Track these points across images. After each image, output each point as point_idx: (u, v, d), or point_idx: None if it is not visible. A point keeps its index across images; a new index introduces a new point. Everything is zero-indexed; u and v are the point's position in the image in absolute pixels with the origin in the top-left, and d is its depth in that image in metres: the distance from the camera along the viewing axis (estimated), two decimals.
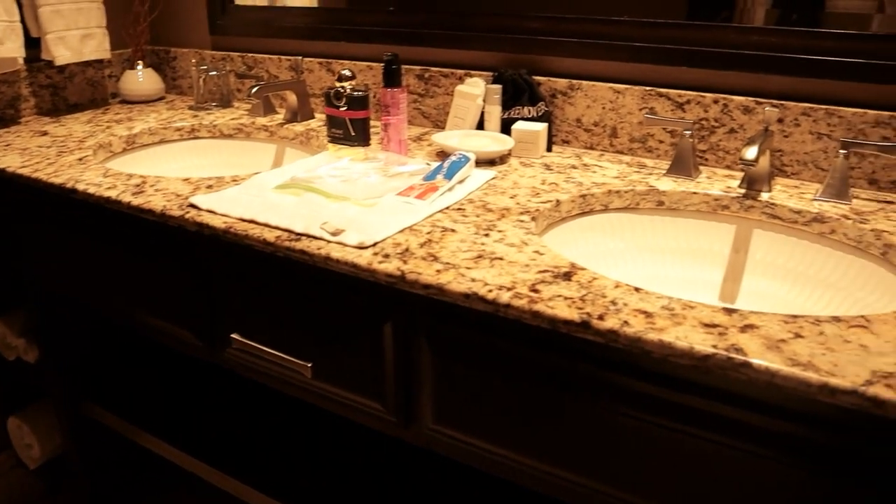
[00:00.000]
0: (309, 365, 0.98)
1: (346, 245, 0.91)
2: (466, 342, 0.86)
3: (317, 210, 1.00)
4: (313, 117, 1.56)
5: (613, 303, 0.77)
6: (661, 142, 1.26)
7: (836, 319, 0.75)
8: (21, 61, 1.63)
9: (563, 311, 0.76)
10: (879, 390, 0.63)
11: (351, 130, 1.25)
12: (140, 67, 1.82)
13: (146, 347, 1.77)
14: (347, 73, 1.25)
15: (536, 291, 0.80)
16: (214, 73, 1.72)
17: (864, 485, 0.69)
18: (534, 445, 0.86)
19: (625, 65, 1.27)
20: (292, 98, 1.54)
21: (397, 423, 0.96)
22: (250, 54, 1.72)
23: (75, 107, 1.79)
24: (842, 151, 1.10)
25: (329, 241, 0.92)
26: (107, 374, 1.70)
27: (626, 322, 0.74)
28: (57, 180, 1.20)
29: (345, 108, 1.24)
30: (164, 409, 1.61)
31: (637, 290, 0.81)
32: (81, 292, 1.35)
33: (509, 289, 0.80)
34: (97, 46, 1.73)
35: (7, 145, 1.44)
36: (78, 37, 1.68)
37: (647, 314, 0.75)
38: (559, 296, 0.79)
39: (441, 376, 0.90)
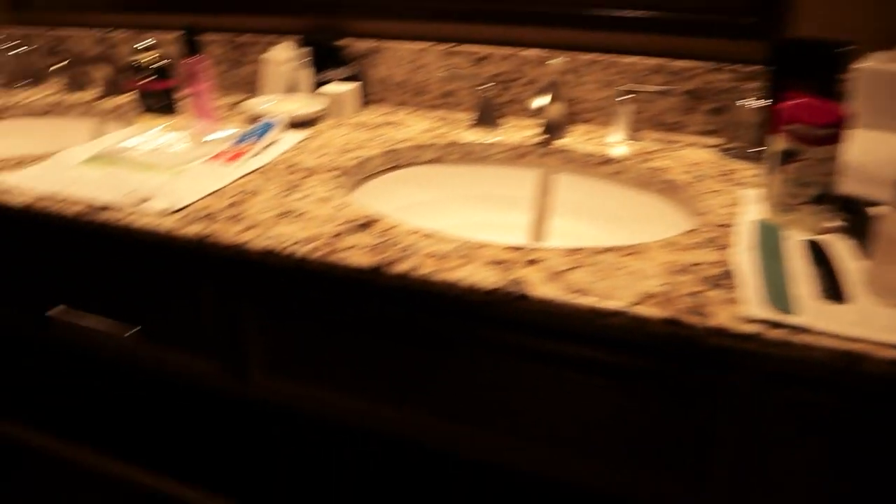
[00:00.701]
0: (135, 329, 0.99)
1: (151, 213, 0.92)
2: (282, 297, 0.90)
3: (123, 181, 1.01)
4: (125, 92, 1.53)
5: (407, 248, 0.83)
6: (465, 97, 1.33)
7: (612, 249, 0.84)
8: None
9: (358, 260, 0.81)
10: (643, 309, 0.72)
11: (159, 101, 1.24)
12: None
13: None
14: (149, 42, 1.24)
15: (334, 243, 0.84)
16: (23, 50, 1.64)
17: (655, 396, 0.79)
18: (360, 388, 0.92)
19: (427, 24, 1.33)
20: (104, 72, 1.50)
21: (228, 381, 0.99)
22: (59, 29, 1.65)
23: None
24: (626, 97, 1.20)
25: (134, 211, 0.93)
26: None
27: (416, 265, 0.80)
28: None
29: (150, 79, 1.23)
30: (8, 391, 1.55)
31: (430, 235, 0.87)
32: None
33: (308, 242, 0.84)
34: None
35: None
36: None
37: (439, 257, 0.81)
38: (355, 245, 0.84)
39: (265, 332, 0.93)
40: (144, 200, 0.94)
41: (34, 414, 1.48)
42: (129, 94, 1.51)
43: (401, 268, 0.79)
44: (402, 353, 0.87)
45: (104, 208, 0.94)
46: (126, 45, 1.57)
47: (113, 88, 1.50)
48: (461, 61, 1.30)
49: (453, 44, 1.30)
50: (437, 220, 1.17)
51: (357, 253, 0.82)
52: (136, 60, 1.24)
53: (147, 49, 1.23)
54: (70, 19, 1.66)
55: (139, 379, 1.30)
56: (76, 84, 1.55)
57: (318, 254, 0.82)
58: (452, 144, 1.19)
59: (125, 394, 1.46)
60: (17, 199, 0.98)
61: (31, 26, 1.70)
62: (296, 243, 0.84)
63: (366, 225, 0.89)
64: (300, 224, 0.89)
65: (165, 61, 1.23)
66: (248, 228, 0.88)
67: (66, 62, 1.39)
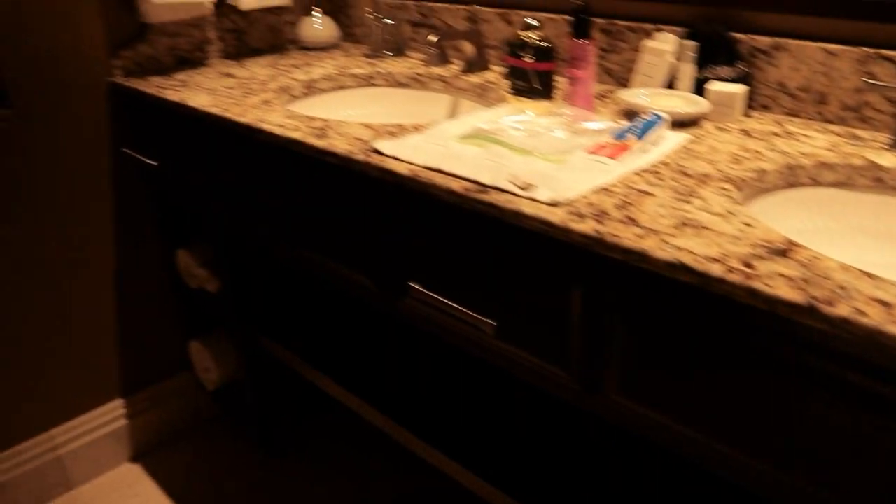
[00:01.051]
0: (492, 323, 0.95)
1: (536, 201, 0.86)
2: (663, 315, 0.80)
3: (503, 162, 0.96)
4: (489, 69, 1.52)
5: (842, 287, 0.69)
6: (879, 111, 1.12)
7: None
8: (210, 6, 1.68)
9: (785, 292, 0.68)
10: None
11: (535, 83, 1.20)
12: (318, 15, 1.83)
13: (324, 288, 1.81)
14: (533, 22, 1.20)
15: (750, 267, 0.72)
16: (389, 21, 1.70)
17: None
18: (730, 431, 0.80)
19: (840, 22, 1.14)
20: (468, 48, 1.50)
21: (578, 392, 0.92)
22: (426, 3, 1.69)
23: (256, 51, 1.84)
24: None
25: (518, 196, 0.88)
26: (283, 310, 1.76)
27: (860, 310, 0.65)
28: (243, 120, 1.23)
29: (530, 59, 1.19)
30: (335, 349, 1.64)
31: (869, 275, 0.71)
32: (258, 231, 1.38)
33: (719, 261, 0.73)
34: None
35: (197, 86, 1.49)
36: None
37: (885, 304, 0.66)
38: (777, 274, 0.71)
39: (631, 348, 0.84)
40: (527, 187, 0.89)
41: (354, 372, 1.54)
42: (491, 71, 1.50)
43: (840, 310, 0.65)
44: (796, 406, 0.73)
45: (487, 189, 0.90)
46: (495, 22, 1.55)
47: (476, 65, 1.50)
48: (882, 70, 1.10)
49: (875, 49, 1.10)
50: (836, 255, 0.99)
51: (781, 283, 0.69)
52: (517, 38, 1.20)
53: (530, 28, 1.19)
54: None
55: (476, 369, 1.28)
56: (439, 58, 1.57)
57: (735, 277, 0.70)
58: (868, 166, 1.00)
59: (452, 377, 1.47)
60: (403, 167, 0.98)
61: None
62: (708, 260, 0.73)
63: (784, 251, 0.76)
64: (704, 239, 0.78)
65: (548, 42, 1.17)
66: (645, 234, 0.79)
67: (433, 35, 1.40)
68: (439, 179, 0.94)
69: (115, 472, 1.92)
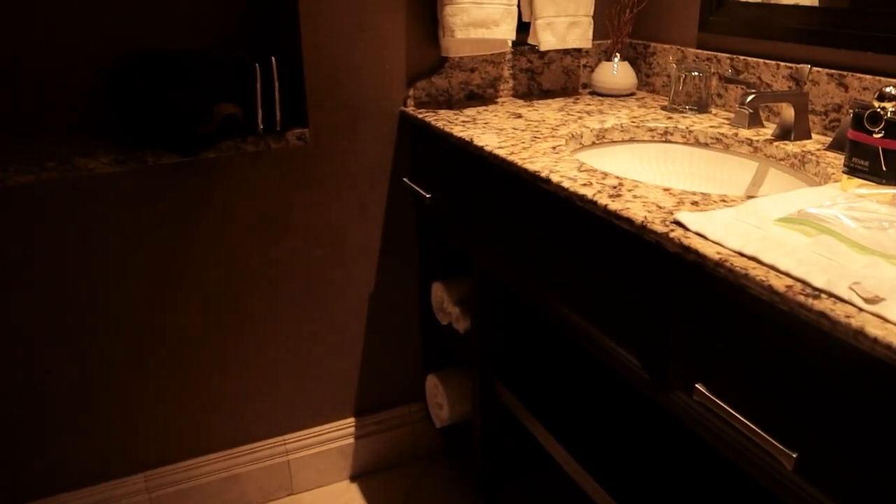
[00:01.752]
0: (791, 454, 0.77)
1: (885, 320, 0.68)
2: None
3: (838, 261, 0.78)
4: (810, 138, 1.32)
5: None
6: None
7: None
8: (510, 44, 1.65)
9: None
10: None
11: (882, 164, 0.99)
12: (616, 60, 1.74)
13: (576, 352, 1.71)
14: (894, 91, 0.99)
15: None
16: (696, 73, 1.55)
17: None
18: None
19: None
20: (788, 112, 1.31)
21: None
22: (740, 57, 1.52)
23: (547, 93, 1.78)
24: None
25: (861, 309, 0.70)
26: (527, 363, 1.68)
27: None
28: (532, 167, 1.16)
29: (880, 135, 0.99)
30: (573, 414, 1.52)
31: None
32: (522, 279, 1.31)
33: None
34: (581, 35, 1.69)
35: (486, 123, 1.46)
36: (565, 24, 1.65)
37: None
38: None
39: None
40: (874, 299, 0.70)
41: (588, 443, 1.41)
42: (812, 141, 1.30)
43: None
44: None
45: (819, 294, 0.73)
46: (824, 84, 1.34)
47: (795, 132, 1.30)
48: None
49: None
50: None
51: None
52: (868, 107, 1.00)
53: (887, 97, 0.98)
54: (753, 48, 1.51)
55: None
56: (751, 119, 1.39)
57: None
58: None
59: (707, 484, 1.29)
60: (711, 248, 0.84)
61: (712, 50, 1.60)
62: None
63: None
64: None
65: None
66: None
67: (751, 94, 1.24)
68: (755, 271, 0.78)
69: (333, 487, 1.96)
